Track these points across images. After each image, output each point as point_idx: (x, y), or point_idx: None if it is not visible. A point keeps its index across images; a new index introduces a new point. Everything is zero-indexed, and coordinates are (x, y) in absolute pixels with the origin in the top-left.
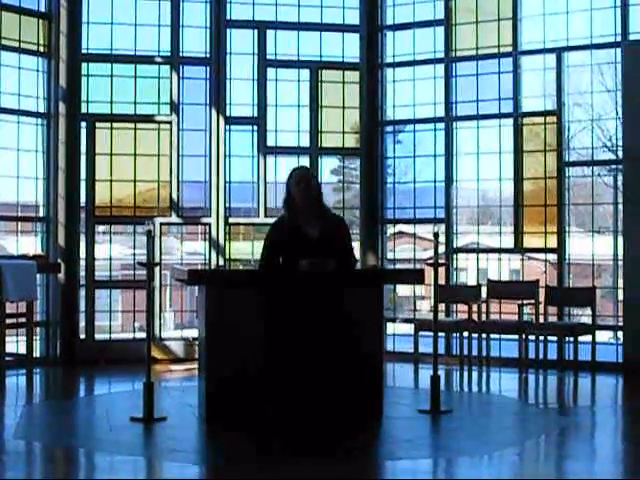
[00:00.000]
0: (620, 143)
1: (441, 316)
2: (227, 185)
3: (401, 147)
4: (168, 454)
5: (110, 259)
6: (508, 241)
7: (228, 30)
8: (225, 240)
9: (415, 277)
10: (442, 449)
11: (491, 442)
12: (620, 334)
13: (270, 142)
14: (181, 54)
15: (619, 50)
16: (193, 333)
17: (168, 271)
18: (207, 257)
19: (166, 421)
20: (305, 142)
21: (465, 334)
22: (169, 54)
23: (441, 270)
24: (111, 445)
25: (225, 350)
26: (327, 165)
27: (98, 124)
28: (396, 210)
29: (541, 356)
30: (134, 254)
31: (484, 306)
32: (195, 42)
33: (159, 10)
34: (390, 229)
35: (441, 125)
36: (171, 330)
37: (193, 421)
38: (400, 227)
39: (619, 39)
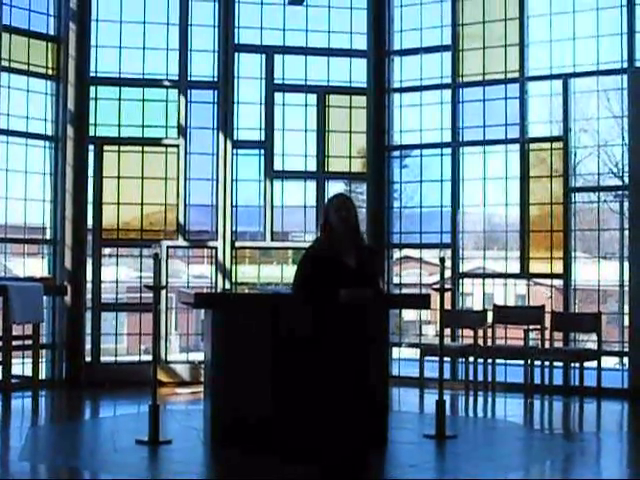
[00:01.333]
0: (626, 169)
1: (447, 341)
2: (234, 209)
3: (407, 172)
4: (173, 477)
5: (117, 282)
6: (514, 266)
7: (236, 54)
8: (231, 264)
9: (421, 302)
10: (447, 474)
11: (496, 467)
12: (626, 360)
13: (277, 166)
14: (189, 78)
15: (625, 76)
16: (199, 356)
17: (174, 294)
18: (213, 280)
19: (171, 444)
20: (312, 166)
21: (471, 359)
22: (177, 78)
23: (447, 295)
24: (116, 467)
25: (231, 374)
26: (334, 189)
27: (106, 147)
28: (402, 235)
29: (547, 381)
30: (140, 277)
31: (490, 331)
32: (203, 66)
33: (167, 34)
34: (396, 253)
35: (448, 150)
36: (177, 353)
37: (198, 445)
38: (406, 252)
39: (625, 65)
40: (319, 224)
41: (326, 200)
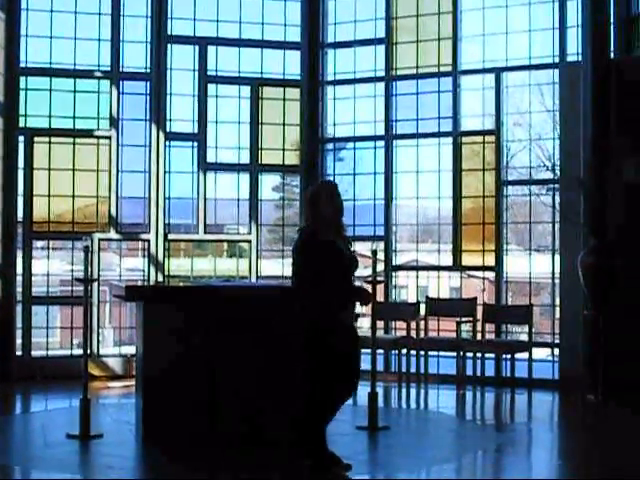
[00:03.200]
0: (558, 162)
1: (380, 333)
2: (167, 201)
3: (341, 164)
4: (104, 471)
5: (48, 275)
6: (447, 259)
7: (169, 45)
8: (164, 256)
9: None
10: (380, 465)
11: (428, 458)
12: (557, 351)
13: (210, 158)
14: (121, 69)
15: (557, 71)
16: (132, 350)
17: (107, 287)
18: (146, 273)
19: (102, 438)
20: (245, 159)
21: (404, 351)
22: (109, 69)
23: (380, 287)
24: (47, 462)
25: (162, 367)
26: (268, 182)
27: (36, 138)
28: None
29: (479, 373)
30: (72, 270)
31: (423, 323)
32: (135, 57)
33: (99, 24)
34: None
35: (381, 143)
36: (110, 347)
37: (130, 438)
38: None
39: (557, 60)
40: (305, 213)
41: (307, 192)
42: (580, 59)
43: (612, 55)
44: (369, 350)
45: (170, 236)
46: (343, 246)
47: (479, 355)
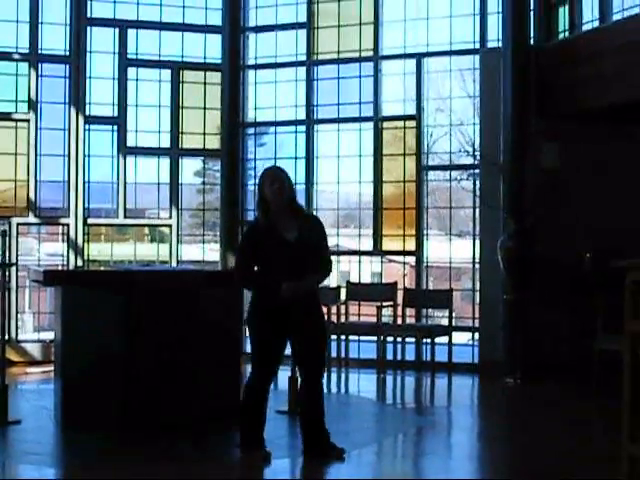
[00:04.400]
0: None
1: None
2: (86, 185)
3: (263, 149)
4: (23, 457)
5: None
6: (368, 244)
7: (88, 28)
8: (84, 241)
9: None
10: (300, 449)
11: (349, 442)
12: (477, 335)
13: (130, 142)
14: (40, 51)
15: (477, 57)
16: (52, 335)
17: (27, 272)
18: (66, 258)
19: (20, 424)
20: (166, 143)
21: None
22: (27, 51)
23: None
24: None
25: (81, 352)
26: (190, 166)
27: None
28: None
29: (399, 357)
30: None
31: (343, 308)
32: (54, 39)
33: (17, 5)
34: None
35: (302, 128)
36: (30, 332)
37: (49, 424)
38: None
39: (477, 46)
40: (255, 202)
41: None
42: (500, 45)
43: (532, 41)
44: None
45: (90, 220)
46: (289, 230)
47: (399, 339)
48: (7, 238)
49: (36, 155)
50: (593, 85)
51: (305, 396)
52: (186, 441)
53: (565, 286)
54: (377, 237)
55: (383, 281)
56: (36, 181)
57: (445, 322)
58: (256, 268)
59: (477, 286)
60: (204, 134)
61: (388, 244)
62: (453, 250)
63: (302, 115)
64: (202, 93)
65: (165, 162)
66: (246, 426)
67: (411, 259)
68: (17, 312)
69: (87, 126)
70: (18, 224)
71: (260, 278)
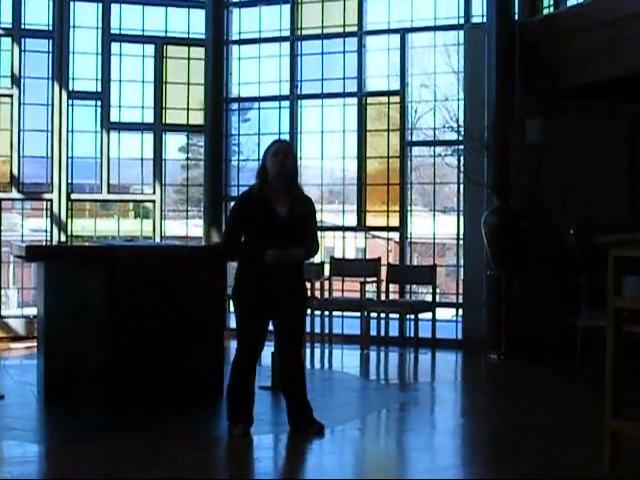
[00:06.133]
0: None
1: None
2: (69, 161)
3: (247, 125)
4: (6, 432)
5: None
6: (352, 219)
7: (72, 3)
8: (67, 216)
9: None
10: (283, 425)
11: (333, 417)
12: (461, 311)
13: (114, 118)
14: (23, 26)
15: (462, 32)
16: (35, 311)
17: (10, 248)
18: (49, 234)
19: (4, 400)
20: (149, 118)
21: (308, 311)
22: (10, 26)
23: None
24: None
25: (63, 328)
26: (174, 142)
27: None
28: (241, 188)
29: (383, 333)
30: None
31: (327, 284)
32: (37, 14)
33: None
34: None
35: (286, 103)
36: (14, 308)
37: (32, 400)
38: None
39: (462, 21)
40: (256, 171)
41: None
42: (485, 21)
43: (516, 17)
44: None
45: (73, 196)
46: (281, 204)
47: (383, 315)
48: None
49: (19, 130)
50: (577, 61)
51: (286, 372)
52: (170, 416)
53: (549, 262)
54: (361, 213)
55: (367, 257)
56: (19, 156)
57: (429, 298)
58: (243, 238)
59: (461, 262)
60: (188, 109)
61: (372, 220)
62: (437, 226)
63: (286, 91)
64: (186, 68)
65: (149, 137)
66: (234, 403)
67: (395, 235)
68: (1, 288)
69: (70, 101)
70: (1, 200)
71: (246, 246)
